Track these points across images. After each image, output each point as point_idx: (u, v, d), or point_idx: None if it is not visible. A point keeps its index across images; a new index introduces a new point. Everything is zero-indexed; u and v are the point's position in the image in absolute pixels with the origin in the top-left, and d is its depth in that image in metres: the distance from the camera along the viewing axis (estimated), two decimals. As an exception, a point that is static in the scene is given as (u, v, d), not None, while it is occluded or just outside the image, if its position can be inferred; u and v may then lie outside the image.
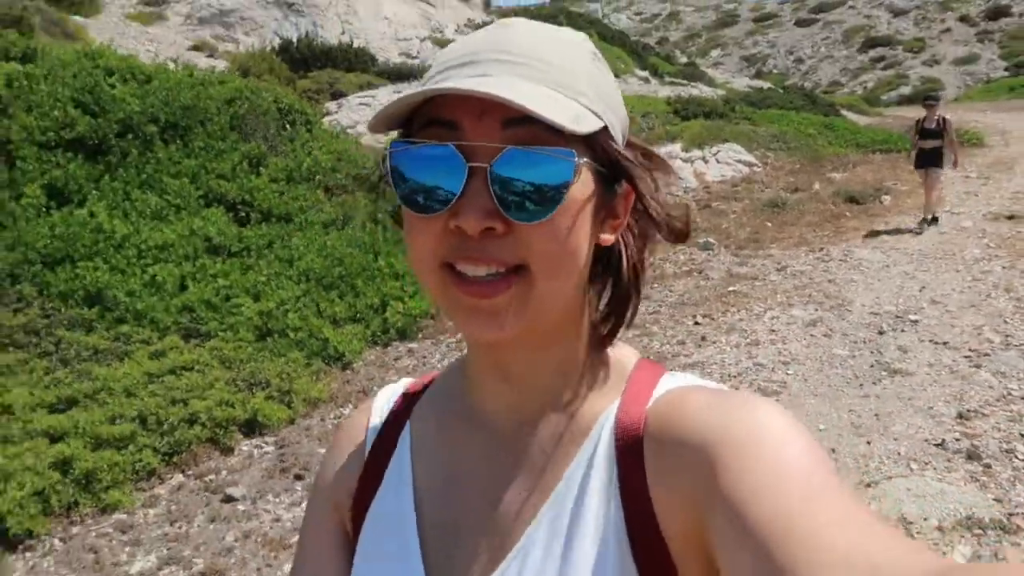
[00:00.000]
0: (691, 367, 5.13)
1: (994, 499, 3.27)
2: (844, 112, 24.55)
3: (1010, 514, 3.15)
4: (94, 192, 6.58)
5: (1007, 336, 5.28)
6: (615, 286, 0.62)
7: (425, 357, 5.81)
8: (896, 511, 3.21)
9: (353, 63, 15.74)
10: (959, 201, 10.83)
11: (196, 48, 16.07)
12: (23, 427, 4.01)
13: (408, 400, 0.71)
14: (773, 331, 5.77)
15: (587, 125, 0.52)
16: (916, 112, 24.93)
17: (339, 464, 0.70)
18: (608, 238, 0.59)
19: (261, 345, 5.45)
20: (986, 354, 4.96)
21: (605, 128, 0.55)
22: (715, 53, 52.29)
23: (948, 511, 3.19)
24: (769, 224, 10.03)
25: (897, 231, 9.23)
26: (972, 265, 7.37)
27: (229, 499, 3.89)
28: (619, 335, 0.64)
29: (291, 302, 5.99)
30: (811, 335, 5.62)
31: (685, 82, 21.97)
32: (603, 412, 0.61)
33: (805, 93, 26.66)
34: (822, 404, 4.40)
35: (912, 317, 5.86)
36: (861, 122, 22.64)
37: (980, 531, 3.04)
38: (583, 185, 0.54)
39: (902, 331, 5.56)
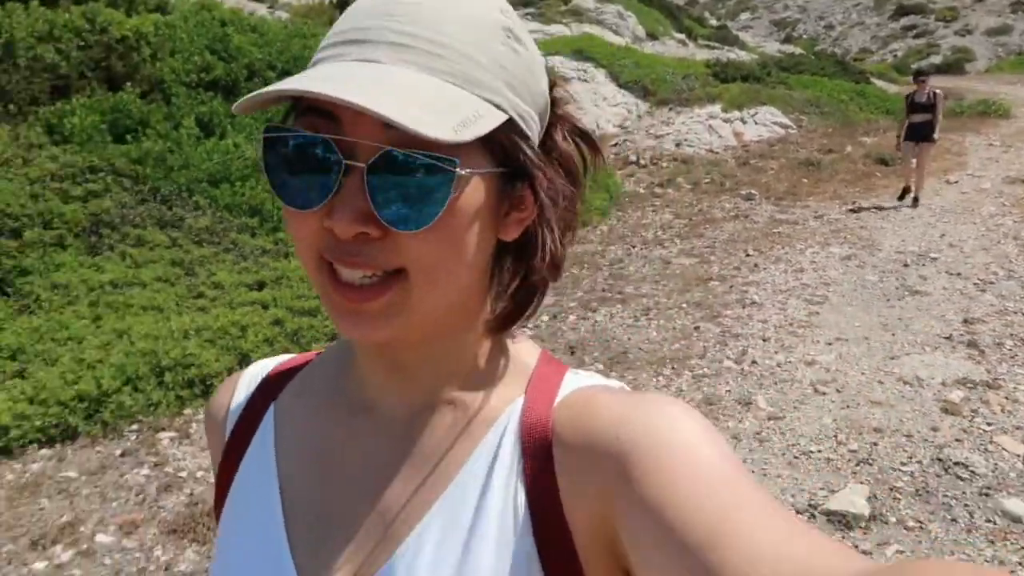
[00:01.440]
0: (748, 285, 6.35)
1: (985, 370, 4.51)
2: (874, 80, 25.31)
3: (994, 378, 4.39)
4: (230, 126, 7.78)
5: (1010, 271, 6.46)
6: (524, 278, 0.59)
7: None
8: (912, 373, 4.45)
9: (408, 17, 16.73)
10: (981, 166, 11.88)
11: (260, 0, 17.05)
12: (234, 299, 5.29)
13: (281, 375, 0.68)
14: (814, 262, 6.98)
15: (476, 129, 0.48)
16: (945, 82, 25.66)
17: (211, 442, 0.69)
18: (512, 232, 0.56)
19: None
20: (991, 282, 6.16)
21: (509, 121, 0.52)
22: (744, 16, 52.41)
23: (950, 374, 4.43)
24: (805, 180, 11.15)
25: (923, 190, 10.34)
26: (987, 219, 8.51)
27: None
28: (518, 325, 0.61)
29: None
30: (846, 265, 6.83)
31: (719, 45, 22.78)
32: (505, 408, 0.58)
33: (837, 60, 27.38)
34: (856, 311, 5.63)
35: (932, 255, 7.05)
36: (890, 90, 23.46)
37: (971, 386, 4.28)
38: (471, 190, 0.51)
39: (923, 265, 6.75)
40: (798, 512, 3.17)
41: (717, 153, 13.43)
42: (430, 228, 0.49)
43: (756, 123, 14.57)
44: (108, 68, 7.21)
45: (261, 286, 5.63)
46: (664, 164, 12.95)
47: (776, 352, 4.89)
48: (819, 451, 3.64)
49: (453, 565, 0.53)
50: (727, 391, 4.34)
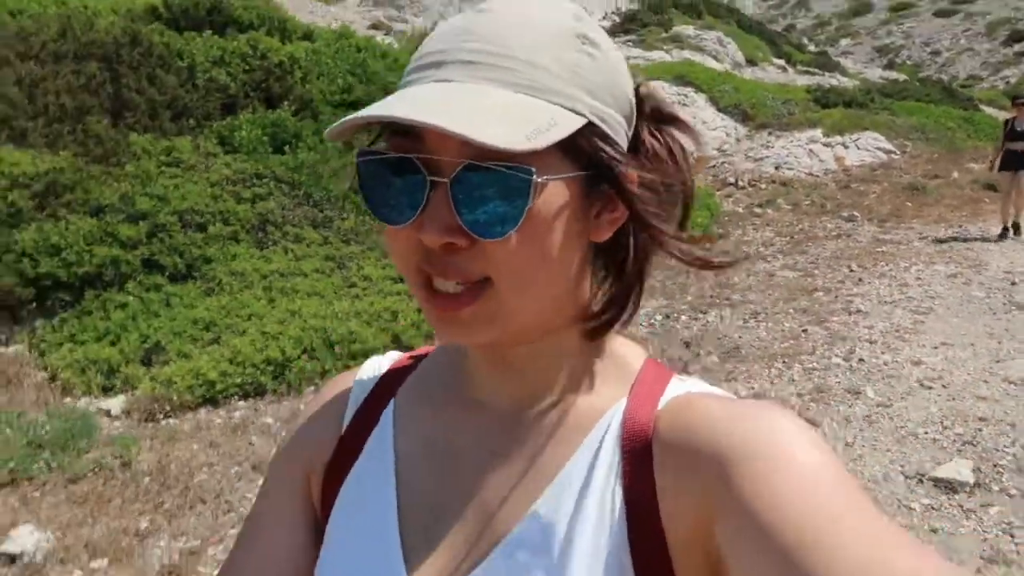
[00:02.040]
0: (853, 296, 6.68)
1: (1094, 375, 4.73)
2: (983, 107, 24.64)
3: (1104, 382, 4.62)
4: (366, 142, 8.71)
5: (1125, 291, 6.55)
6: (615, 279, 0.61)
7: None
8: (1018, 375, 4.73)
9: (513, 44, 17.69)
10: (1099, 193, 11.63)
11: (374, 27, 18.38)
12: (382, 289, 6.05)
13: (395, 375, 0.71)
14: (919, 278, 7.23)
15: (551, 135, 0.50)
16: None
17: (315, 432, 0.69)
18: (603, 234, 0.58)
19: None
20: (1103, 300, 6.28)
21: (589, 124, 0.53)
22: (845, 42, 51.53)
23: (1057, 377, 4.69)
24: (909, 204, 11.24)
25: (1034, 215, 10.29)
26: (1103, 243, 8.48)
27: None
28: (618, 327, 0.62)
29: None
30: (952, 282, 7.05)
31: (819, 71, 22.78)
32: (608, 410, 0.60)
33: (943, 86, 26.76)
34: (962, 322, 5.89)
35: (1041, 273, 7.17)
36: (1001, 117, 22.81)
37: (1079, 387, 4.53)
38: (551, 196, 0.52)
39: (1032, 283, 6.90)
40: (906, 479, 3.57)
41: (817, 176, 13.61)
42: (512, 235, 0.51)
43: (858, 148, 14.65)
44: (267, 89, 8.25)
45: (403, 280, 6.40)
46: (763, 186, 13.23)
47: (883, 353, 5.24)
48: (926, 433, 4.02)
49: (551, 563, 0.55)
50: (837, 382, 4.74)
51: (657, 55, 17.97)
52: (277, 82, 8.29)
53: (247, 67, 8.26)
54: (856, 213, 10.59)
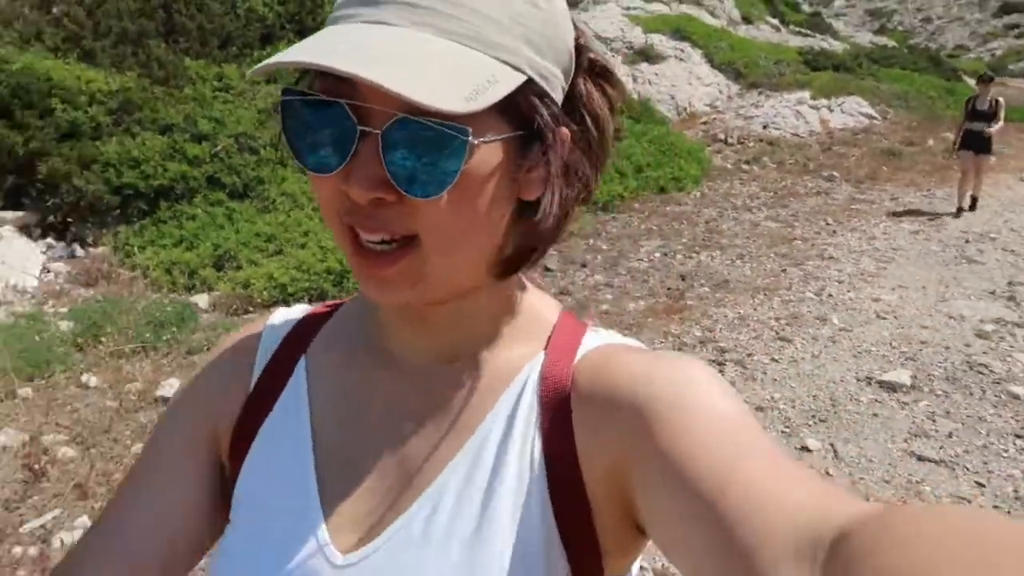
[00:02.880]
0: (827, 245, 7.68)
1: (1017, 315, 5.79)
2: (966, 78, 25.64)
3: (1025, 321, 5.68)
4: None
5: (1060, 253, 7.63)
6: (526, 233, 0.59)
7: (623, 226, 8.48)
8: (957, 312, 5.77)
9: None
10: (1057, 167, 12.75)
11: None
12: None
13: (307, 327, 0.70)
14: (886, 233, 8.25)
15: (490, 96, 0.48)
16: (1041, 85, 25.55)
17: (220, 381, 0.68)
18: (532, 192, 0.57)
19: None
20: (1040, 259, 7.36)
21: (528, 81, 0.52)
22: (839, 3, 51.98)
23: (988, 315, 5.74)
24: (885, 168, 12.24)
25: (995, 185, 11.36)
26: (1051, 211, 9.58)
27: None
28: (526, 268, 0.62)
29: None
30: (914, 237, 8.07)
31: (812, 33, 23.49)
32: (526, 363, 0.62)
33: (930, 55, 27.69)
34: (918, 270, 6.92)
35: (992, 236, 8.23)
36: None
37: (1004, 323, 5.58)
38: (485, 156, 0.51)
39: (982, 242, 7.95)
40: (858, 380, 4.59)
41: (802, 137, 14.53)
42: (443, 195, 0.50)
43: (843, 112, 15.57)
44: (300, 20, 8.85)
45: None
46: (751, 144, 14.12)
47: (848, 291, 6.25)
48: (877, 350, 5.04)
49: (473, 513, 0.57)
50: (808, 311, 5.75)
51: (656, 7, 18.54)
52: (309, 15, 8.89)
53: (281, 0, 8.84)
54: (835, 174, 11.57)
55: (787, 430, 3.99)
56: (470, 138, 0.49)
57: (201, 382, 0.70)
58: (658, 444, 0.51)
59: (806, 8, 38.53)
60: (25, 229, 5.61)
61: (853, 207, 9.61)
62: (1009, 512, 3.31)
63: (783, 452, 0.51)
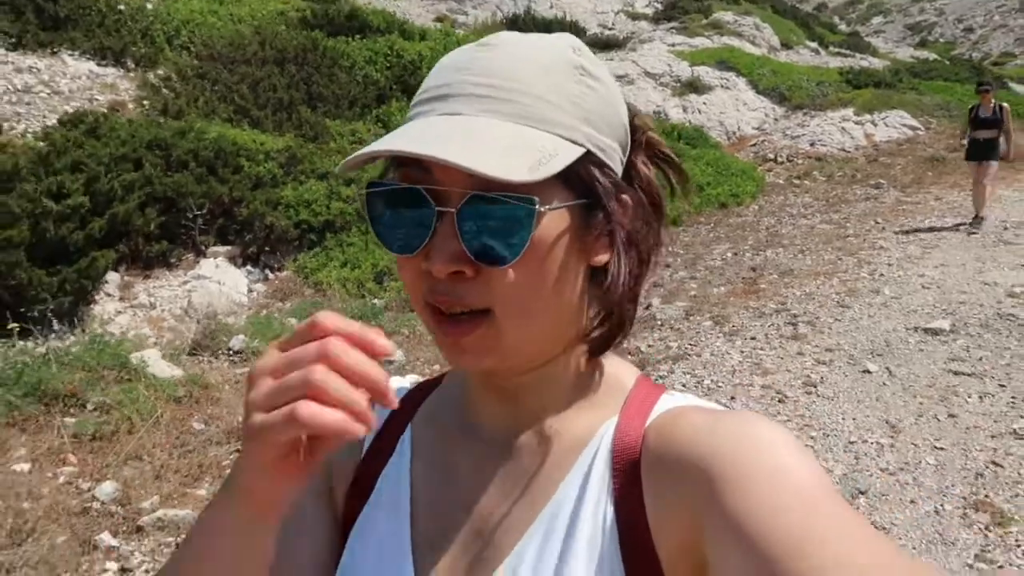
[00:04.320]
0: (877, 239, 8.98)
1: (1046, 281, 7.02)
2: (1013, 85, 26.51)
3: (1051, 285, 6.91)
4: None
5: (1090, 233, 8.79)
6: (606, 302, 0.63)
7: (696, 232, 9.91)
8: (991, 280, 7.03)
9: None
10: (1098, 162, 13.79)
11: (438, 20, 20.73)
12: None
13: (412, 400, 0.76)
14: (931, 228, 9.51)
15: (552, 166, 0.54)
16: (1086, 86, 26.27)
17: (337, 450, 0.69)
18: (601, 259, 0.61)
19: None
20: (1070, 238, 8.54)
21: (587, 153, 0.58)
22: (876, 20, 53.06)
23: (1019, 281, 6.97)
24: (930, 173, 13.46)
25: (1036, 180, 12.49)
26: (1087, 201, 10.69)
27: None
28: (612, 348, 0.65)
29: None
30: (957, 230, 9.31)
31: (851, 53, 24.80)
32: (600, 428, 0.65)
33: (972, 65, 28.67)
34: (959, 252, 8.18)
35: (1029, 223, 9.42)
36: (1029, 95, 24.76)
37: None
38: (552, 224, 0.56)
39: (1020, 228, 9.15)
40: (907, 330, 5.90)
41: (849, 152, 15.83)
42: (517, 263, 0.55)
43: (886, 125, 16.82)
44: (404, 81, 10.64)
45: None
46: (800, 161, 15.47)
47: (897, 271, 7.56)
48: (922, 310, 6.34)
49: None
50: (863, 287, 7.08)
51: (700, 41, 20.15)
52: (411, 76, 10.68)
53: (388, 64, 10.66)
54: (883, 181, 12.84)
55: (851, 361, 5.34)
56: (537, 206, 0.54)
57: None
58: (725, 505, 0.52)
59: (843, 28, 39.81)
60: (232, 259, 7.31)
61: (900, 208, 10.88)
62: (1016, 404, 4.61)
63: (861, 518, 0.51)
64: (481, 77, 0.56)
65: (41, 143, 7.02)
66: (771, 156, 15.88)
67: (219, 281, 6.93)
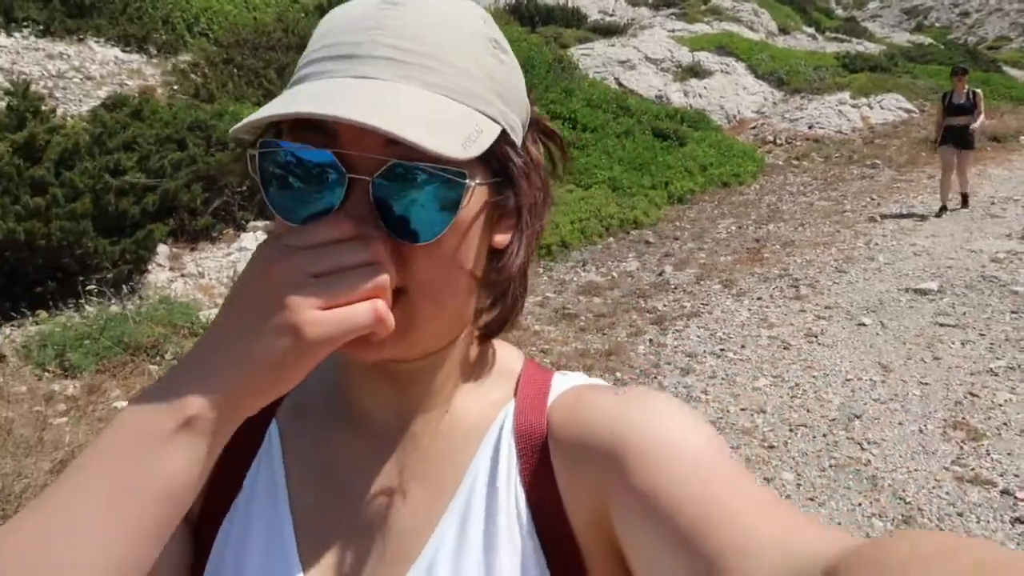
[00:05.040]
0: (873, 213, 9.58)
1: (1021, 242, 7.65)
2: (1008, 68, 27.14)
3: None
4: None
5: (1073, 206, 9.43)
6: (500, 283, 0.61)
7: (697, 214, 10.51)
8: (977, 247, 7.65)
9: (570, 20, 20.47)
10: (1086, 142, 14.43)
11: (441, 6, 21.23)
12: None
13: None
14: (923, 202, 10.13)
15: (482, 142, 0.51)
16: (1080, 69, 26.86)
17: None
18: (502, 239, 0.59)
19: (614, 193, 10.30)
20: (1053, 211, 9.18)
21: (503, 132, 0.55)
22: (873, 5, 53.60)
23: (1002, 248, 7.59)
24: (923, 153, 14.04)
25: (1023, 160, 13.12)
26: (1073, 177, 11.34)
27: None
28: (506, 330, 0.64)
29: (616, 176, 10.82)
30: (949, 203, 9.94)
31: (847, 38, 25.37)
32: (498, 412, 0.64)
33: (967, 49, 29.30)
34: (948, 224, 8.80)
35: (1016, 198, 10.05)
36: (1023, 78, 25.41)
37: (1015, 253, 7.44)
38: (473, 202, 0.54)
39: (1006, 203, 9.79)
40: (899, 290, 6.51)
41: (845, 134, 16.42)
42: (435, 241, 0.52)
43: (882, 108, 17.42)
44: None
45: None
46: (798, 143, 16.06)
47: (891, 242, 8.17)
48: (913, 273, 6.96)
49: (473, 571, 0.57)
50: (859, 254, 7.70)
51: (699, 27, 20.69)
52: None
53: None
54: (878, 161, 13.45)
55: (848, 316, 5.95)
56: (467, 180, 0.52)
57: None
58: (632, 483, 0.53)
59: (840, 13, 40.36)
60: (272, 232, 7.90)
61: (895, 186, 11.49)
62: (993, 348, 5.23)
63: (760, 486, 0.53)
64: (396, 39, 0.52)
65: (85, 124, 7.56)
66: (770, 138, 16.45)
67: (258, 253, 7.51)
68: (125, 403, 3.08)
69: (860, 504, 3.48)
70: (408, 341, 0.55)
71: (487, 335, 0.65)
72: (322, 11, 11.93)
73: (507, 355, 0.69)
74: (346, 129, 0.50)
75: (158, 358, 4.99)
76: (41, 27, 10.49)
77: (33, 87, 7.17)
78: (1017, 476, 3.67)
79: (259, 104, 9.09)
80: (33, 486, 3.53)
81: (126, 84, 10.07)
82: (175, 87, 9.57)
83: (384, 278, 0.49)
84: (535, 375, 0.67)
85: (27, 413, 4.27)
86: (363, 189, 0.51)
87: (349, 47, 0.52)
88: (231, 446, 0.57)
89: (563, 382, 0.66)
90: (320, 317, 0.47)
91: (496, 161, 0.56)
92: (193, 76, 9.60)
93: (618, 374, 4.93)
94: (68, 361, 4.92)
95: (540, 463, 0.60)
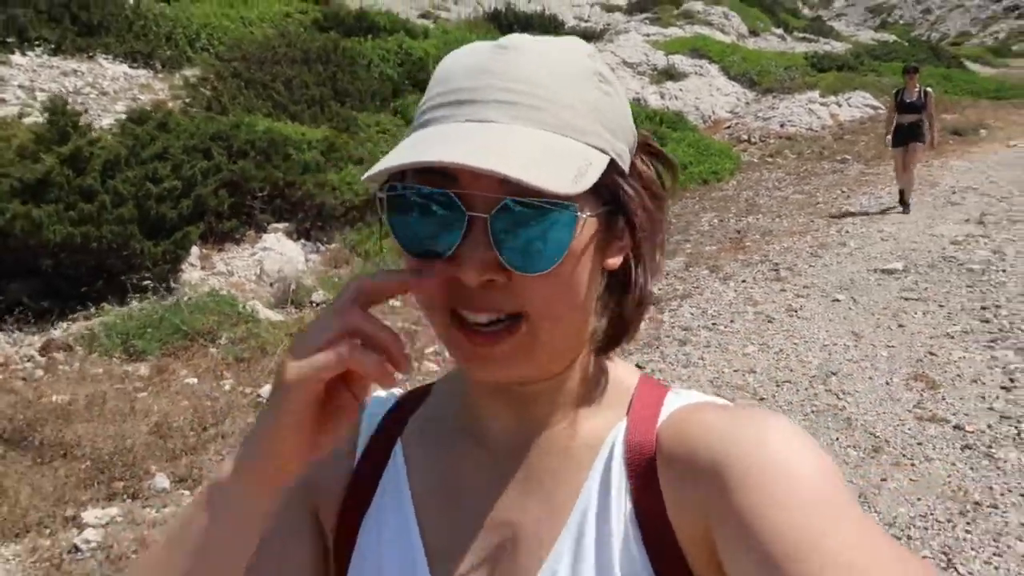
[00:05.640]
0: (844, 204, 10.40)
1: (981, 232, 8.47)
2: (969, 64, 28.34)
3: (986, 234, 8.35)
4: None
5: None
6: (619, 305, 0.65)
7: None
8: (939, 232, 8.47)
9: (548, 27, 21.23)
10: (1039, 134, 15.45)
11: (423, 16, 21.88)
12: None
13: (402, 410, 0.75)
14: (890, 193, 10.97)
15: (590, 177, 0.55)
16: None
17: (322, 464, 0.67)
18: (614, 262, 0.63)
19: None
20: (1006, 197, 10.05)
21: (612, 162, 0.59)
22: (839, 3, 55.11)
23: (960, 232, 8.43)
24: (889, 149, 14.96)
25: (985, 152, 14.06)
26: (1026, 167, 12.28)
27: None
28: (619, 348, 0.67)
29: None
30: (912, 194, 10.79)
31: (815, 37, 26.42)
32: (609, 432, 0.66)
33: (930, 46, 30.54)
34: (914, 212, 9.63)
35: (974, 187, 10.93)
36: (985, 72, 26.64)
37: (972, 236, 8.26)
38: (585, 231, 0.57)
39: (966, 192, 10.66)
40: (868, 271, 7.28)
41: (816, 131, 17.33)
42: (551, 271, 0.56)
43: (850, 105, 18.37)
44: (415, 77, 11.84)
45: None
46: (771, 141, 16.93)
47: (861, 229, 8.98)
48: (881, 256, 7.76)
49: None
50: (832, 241, 8.49)
51: (672, 31, 21.56)
52: (420, 72, 11.89)
53: (399, 61, 11.85)
54: (848, 157, 14.34)
55: (824, 294, 6.71)
56: (578, 213, 0.55)
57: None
58: (735, 503, 0.54)
59: (807, 12, 41.59)
60: (289, 235, 8.49)
61: (864, 179, 12.36)
62: (951, 317, 6.01)
63: (871, 522, 0.52)
64: (508, 82, 0.56)
65: (110, 136, 8.14)
66: (745, 137, 17.32)
67: (280, 252, 8.12)
68: (195, 379, 3.72)
69: (838, 439, 4.21)
70: (530, 362, 0.60)
71: (600, 351, 0.68)
72: (318, 25, 12.57)
73: (622, 372, 0.72)
74: (465, 173, 0.54)
75: (215, 343, 5.60)
76: (52, 45, 11.01)
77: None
78: (967, 415, 4.41)
79: (270, 115, 9.71)
80: (138, 444, 4.16)
81: (139, 98, 10.62)
82: (187, 100, 10.14)
83: (345, 322, 0.55)
84: (649, 392, 0.69)
85: (111, 390, 4.88)
86: (481, 226, 0.55)
87: (465, 92, 0.57)
88: (362, 466, 0.71)
89: (676, 400, 0.67)
90: (291, 362, 0.54)
91: (606, 190, 0.59)
92: (203, 90, 10.18)
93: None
94: (133, 347, 5.53)
95: (648, 481, 0.62)
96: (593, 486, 0.64)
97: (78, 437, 4.24)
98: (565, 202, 0.54)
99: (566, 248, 0.56)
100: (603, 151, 0.58)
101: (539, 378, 0.65)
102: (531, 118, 0.56)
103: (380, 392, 0.76)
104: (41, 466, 4.04)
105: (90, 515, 3.60)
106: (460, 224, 0.55)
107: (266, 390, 4.91)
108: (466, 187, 0.55)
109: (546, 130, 0.56)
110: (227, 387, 5.01)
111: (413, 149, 0.54)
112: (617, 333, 0.66)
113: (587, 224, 0.58)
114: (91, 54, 11.29)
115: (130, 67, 11.59)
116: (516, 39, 0.59)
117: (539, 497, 0.65)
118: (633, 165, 0.64)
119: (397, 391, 0.77)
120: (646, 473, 0.63)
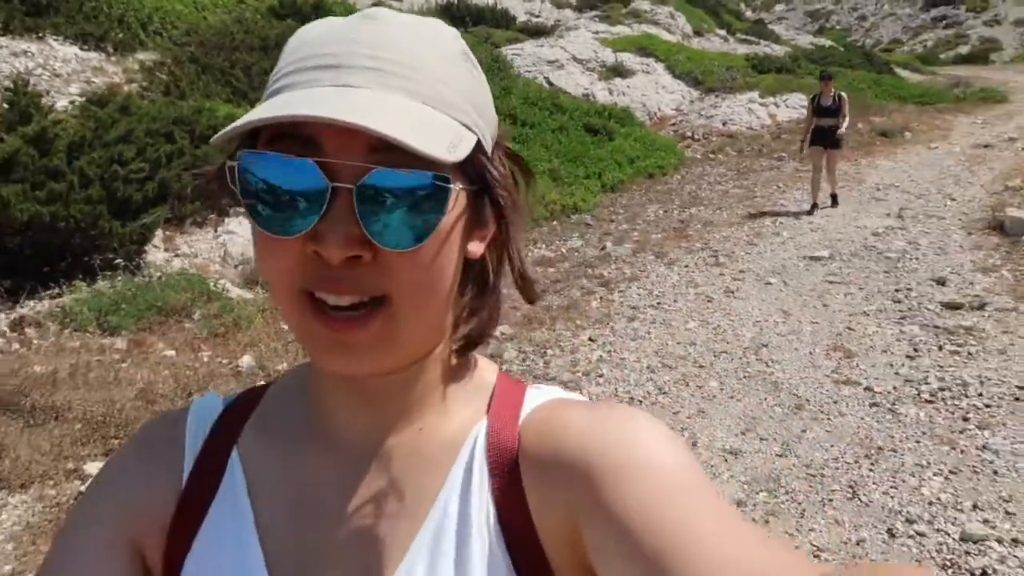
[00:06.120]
0: (779, 199, 11.15)
1: (899, 225, 9.27)
2: (899, 70, 29.85)
3: (902, 227, 9.15)
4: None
5: (939, 190, 11.22)
6: (479, 296, 0.63)
7: (630, 203, 11.87)
8: (863, 224, 9.23)
9: (499, 21, 21.67)
10: (960, 138, 16.61)
11: (378, 6, 22.05)
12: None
13: (235, 415, 0.69)
14: (821, 189, 11.77)
15: (463, 149, 0.53)
16: (965, 71, 29.82)
17: (144, 478, 0.64)
18: (477, 250, 0.61)
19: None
20: (923, 195, 10.94)
21: (478, 141, 0.57)
22: (779, 8, 56.96)
23: (881, 225, 9.22)
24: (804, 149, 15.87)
25: (908, 153, 15.06)
26: (944, 168, 13.26)
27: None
28: (483, 344, 0.65)
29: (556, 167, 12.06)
30: (840, 190, 11.62)
31: (756, 40, 27.47)
32: (471, 428, 0.64)
33: (864, 52, 32.01)
34: (841, 207, 10.40)
35: (896, 185, 11.82)
36: (914, 79, 28.12)
37: (891, 228, 9.04)
38: (456, 208, 0.55)
39: (889, 189, 11.53)
40: (798, 258, 7.96)
41: (756, 130, 18.21)
42: (420, 248, 0.52)
43: (787, 107, 19.32)
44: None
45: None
46: (714, 138, 17.74)
47: (793, 221, 9.71)
48: (810, 245, 8.46)
49: None
50: (767, 231, 9.18)
51: (620, 29, 22.24)
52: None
53: (355, 52, 12.14)
54: (784, 155, 15.18)
55: (758, 278, 7.35)
56: (452, 185, 0.52)
57: (118, 478, 0.66)
58: (603, 502, 0.53)
59: (749, 15, 42.99)
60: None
61: (798, 176, 13.15)
62: (868, 298, 6.70)
63: (733, 510, 0.53)
64: (376, 50, 0.53)
65: (72, 119, 8.26)
66: (689, 134, 18.08)
67: (243, 236, 8.39)
68: (173, 352, 4.12)
69: (766, 399, 4.79)
70: (392, 353, 0.57)
71: (464, 348, 0.65)
72: (274, 13, 12.75)
73: (481, 369, 0.69)
74: (329, 138, 0.50)
75: (190, 318, 5.90)
76: (0, 25, 10.96)
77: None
78: (877, 379, 5.05)
79: (230, 101, 9.92)
80: (128, 407, 4.47)
81: (92, 81, 10.68)
82: (143, 84, 10.26)
83: None
84: (508, 389, 0.67)
85: (92, 360, 5.15)
86: (346, 198, 0.51)
87: (329, 58, 0.53)
88: (193, 479, 0.64)
89: (536, 396, 0.66)
90: None
91: (473, 169, 0.57)
92: (159, 75, 10.31)
93: (578, 322, 6.15)
94: (108, 323, 5.78)
95: (511, 482, 0.60)
96: (454, 486, 0.62)
97: (68, 402, 4.52)
98: (439, 173, 0.52)
99: (438, 223, 0.53)
100: (471, 129, 0.57)
101: (395, 369, 0.60)
102: (402, 87, 0.53)
103: (206, 396, 0.72)
104: (35, 428, 4.31)
105: (91, 467, 3.92)
106: (322, 196, 0.51)
107: (244, 360, 5.26)
108: (331, 155, 0.51)
109: (417, 101, 0.53)
110: (205, 359, 5.33)
111: (277, 107, 0.50)
112: (482, 325, 0.65)
113: (458, 200, 0.56)
114: (40, 35, 11.26)
115: (81, 49, 11.59)
116: (383, 11, 0.57)
117: (395, 498, 0.62)
118: (494, 157, 0.62)
119: (221, 398, 0.71)
120: (508, 473, 0.61)
